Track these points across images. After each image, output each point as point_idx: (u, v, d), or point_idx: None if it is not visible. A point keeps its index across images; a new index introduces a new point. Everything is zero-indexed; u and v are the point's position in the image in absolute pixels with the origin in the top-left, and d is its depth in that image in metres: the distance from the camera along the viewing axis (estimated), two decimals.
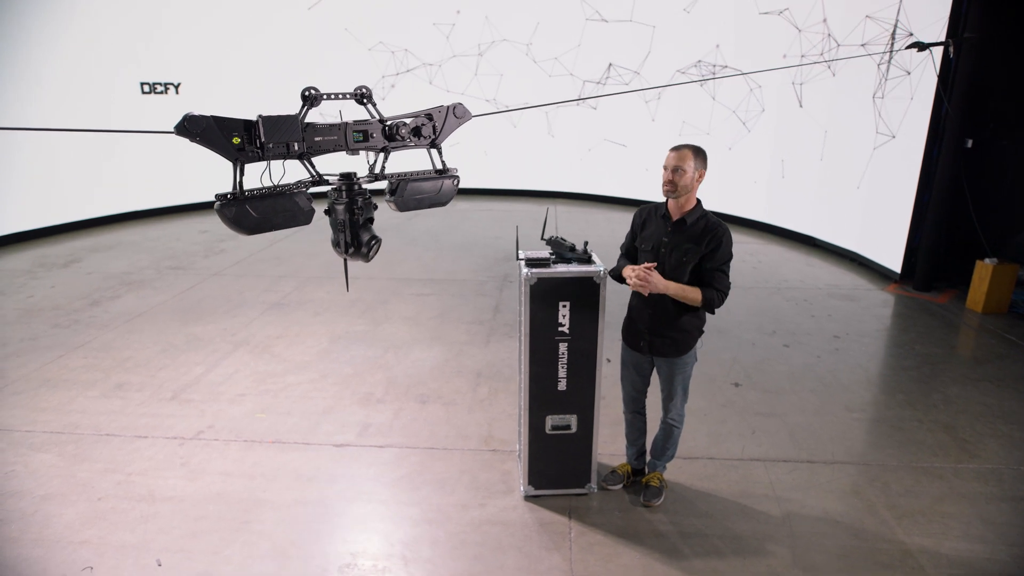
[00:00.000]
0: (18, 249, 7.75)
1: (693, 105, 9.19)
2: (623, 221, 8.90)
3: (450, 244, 8.07)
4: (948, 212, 6.28)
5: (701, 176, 2.73)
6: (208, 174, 10.08)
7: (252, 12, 9.63)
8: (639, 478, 3.32)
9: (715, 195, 9.26)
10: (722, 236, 2.73)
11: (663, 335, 2.89)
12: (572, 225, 9.06)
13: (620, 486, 3.29)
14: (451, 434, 3.78)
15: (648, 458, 3.29)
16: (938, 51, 5.83)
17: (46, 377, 4.43)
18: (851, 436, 3.80)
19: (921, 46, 4.83)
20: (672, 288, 2.72)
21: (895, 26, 6.31)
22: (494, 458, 3.55)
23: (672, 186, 2.71)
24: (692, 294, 2.73)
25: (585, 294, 2.86)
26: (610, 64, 9.89)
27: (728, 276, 2.77)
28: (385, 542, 2.90)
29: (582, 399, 3.03)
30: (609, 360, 4.74)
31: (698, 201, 2.81)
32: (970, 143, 6.08)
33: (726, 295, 2.77)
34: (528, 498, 3.19)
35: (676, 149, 2.71)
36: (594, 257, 2.94)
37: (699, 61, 9.00)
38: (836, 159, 7.53)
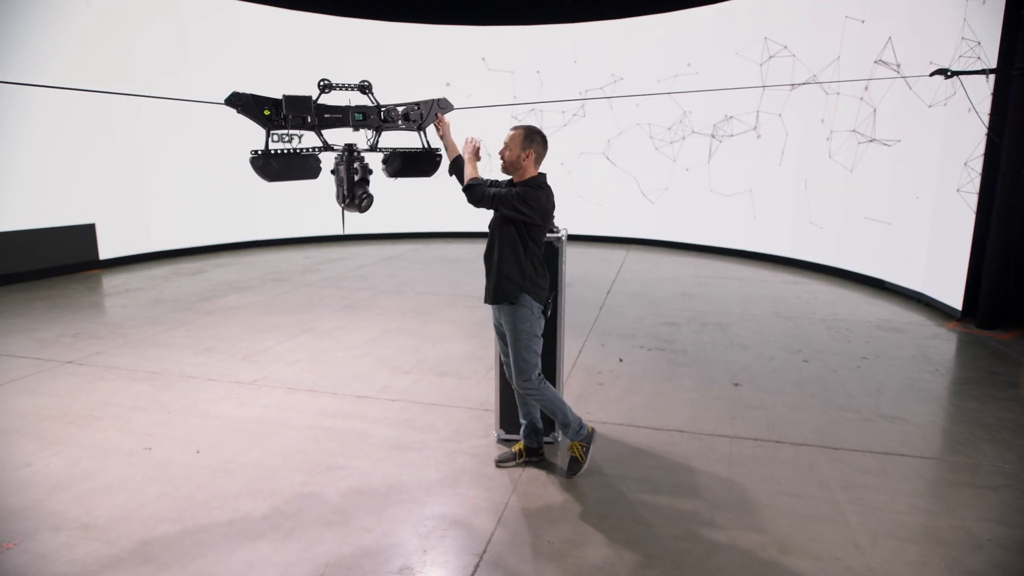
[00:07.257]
0: (161, 263, 9.46)
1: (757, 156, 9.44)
2: (691, 264, 9.04)
3: None
4: (1013, 246, 6.04)
5: (528, 156, 3.02)
6: (315, 212, 11.49)
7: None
8: (534, 459, 3.37)
9: (787, 240, 9.31)
10: (531, 184, 3.00)
11: (492, 279, 3.10)
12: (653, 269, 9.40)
13: (512, 464, 3.35)
14: (455, 397, 4.32)
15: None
16: (977, 80, 5.84)
17: (156, 340, 5.53)
18: (832, 428, 3.87)
19: (946, 73, 4.93)
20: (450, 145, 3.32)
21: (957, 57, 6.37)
22: (485, 415, 4.03)
23: (501, 159, 3.09)
24: (468, 169, 3.09)
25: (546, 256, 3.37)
26: (684, 112, 10.42)
27: (502, 200, 2.93)
28: (368, 459, 3.46)
29: (544, 353, 3.47)
30: (621, 360, 5.09)
31: (540, 175, 3.09)
32: None
33: (482, 196, 2.96)
34: (500, 441, 3.63)
35: (512, 129, 3.07)
36: (560, 229, 3.45)
37: (760, 111, 9.30)
38: (900, 199, 7.44)
